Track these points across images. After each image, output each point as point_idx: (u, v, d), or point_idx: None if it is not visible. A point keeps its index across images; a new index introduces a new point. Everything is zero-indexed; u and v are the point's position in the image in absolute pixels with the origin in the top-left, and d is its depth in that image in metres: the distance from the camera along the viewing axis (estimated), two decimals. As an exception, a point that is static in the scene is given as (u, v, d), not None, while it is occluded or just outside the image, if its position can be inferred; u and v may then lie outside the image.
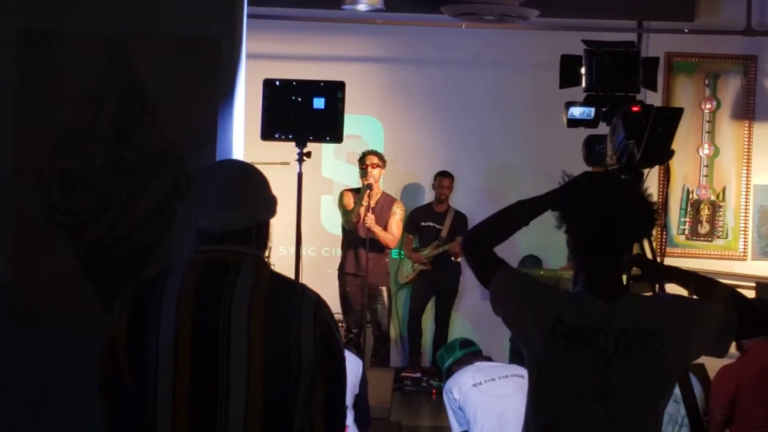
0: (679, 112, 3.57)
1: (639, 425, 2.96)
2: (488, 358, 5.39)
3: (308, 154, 5.04)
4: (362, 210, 8.78)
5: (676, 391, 3.50)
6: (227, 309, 2.78)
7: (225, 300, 2.78)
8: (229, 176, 2.93)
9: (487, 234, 3.19)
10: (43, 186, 3.95)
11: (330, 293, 9.02)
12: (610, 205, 3.01)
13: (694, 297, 3.11)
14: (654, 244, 3.64)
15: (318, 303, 2.86)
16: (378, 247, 8.95)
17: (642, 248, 3.75)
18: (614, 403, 2.92)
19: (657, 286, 3.35)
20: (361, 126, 9.73)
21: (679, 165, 9.46)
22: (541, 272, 8.29)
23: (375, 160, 8.91)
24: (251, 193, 2.91)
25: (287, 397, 2.78)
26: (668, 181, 9.14)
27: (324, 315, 2.86)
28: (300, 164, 5.05)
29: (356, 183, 9.19)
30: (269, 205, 2.94)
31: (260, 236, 2.92)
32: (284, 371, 2.78)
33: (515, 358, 5.76)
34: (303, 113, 4.79)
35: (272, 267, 2.99)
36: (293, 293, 2.86)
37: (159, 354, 2.76)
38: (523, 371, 4.37)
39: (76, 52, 3.96)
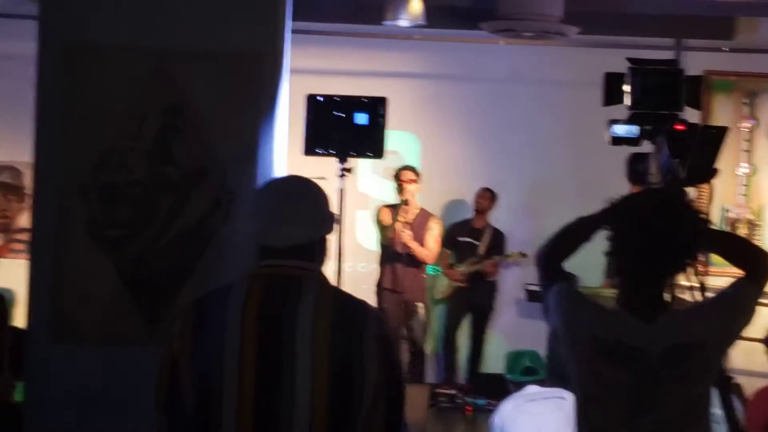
0: (725, 130, 3.54)
1: None
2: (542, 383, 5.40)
3: (349, 170, 5.04)
4: (399, 225, 8.77)
5: (719, 411, 3.47)
6: (291, 325, 2.78)
7: (289, 316, 2.79)
8: (291, 191, 2.94)
9: (556, 250, 3.21)
10: (86, 200, 3.98)
11: (366, 309, 9.00)
12: (659, 229, 2.99)
13: (725, 290, 3.09)
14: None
15: (380, 320, 2.88)
16: (415, 262, 8.93)
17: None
18: (661, 415, 2.94)
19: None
20: (399, 141, 9.71)
21: (717, 183, 9.38)
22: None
23: (411, 175, 8.90)
24: (313, 207, 2.92)
25: (350, 413, 2.78)
26: (710, 200, 9.07)
27: (386, 332, 2.88)
28: (342, 179, 5.05)
29: (392, 198, 9.18)
30: (330, 220, 2.95)
31: (321, 251, 2.92)
32: (348, 387, 2.78)
33: (553, 376, 5.73)
34: (345, 129, 4.80)
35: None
36: (356, 310, 2.86)
37: (223, 370, 2.76)
38: (565, 393, 4.37)
39: (120, 67, 3.99)
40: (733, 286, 3.07)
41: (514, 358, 5.57)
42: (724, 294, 3.08)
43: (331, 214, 2.96)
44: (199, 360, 2.78)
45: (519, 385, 5.42)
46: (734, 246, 3.23)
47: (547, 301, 3.12)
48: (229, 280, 2.91)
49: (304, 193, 2.93)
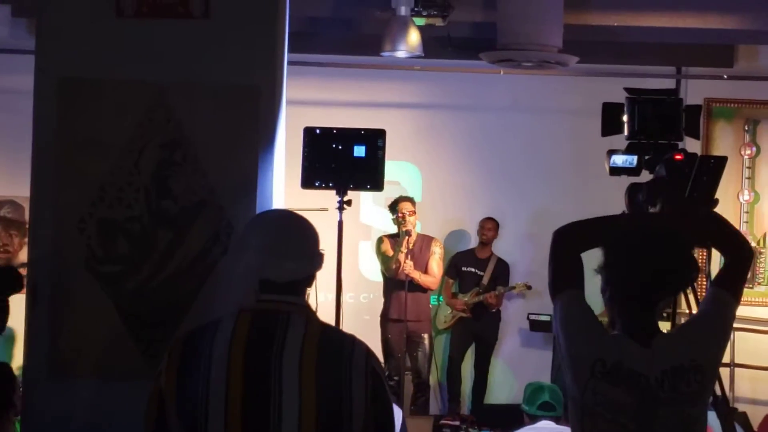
0: (724, 160, 3.54)
1: None
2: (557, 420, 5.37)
3: (348, 202, 5.03)
4: (402, 256, 8.75)
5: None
6: (278, 360, 2.77)
7: (276, 350, 2.77)
8: (291, 226, 2.95)
9: (584, 231, 3.17)
10: (83, 235, 3.96)
11: (369, 340, 8.87)
12: (651, 262, 3.01)
13: (704, 307, 3.13)
14: (699, 291, 3.62)
15: (368, 354, 2.87)
16: (420, 288, 8.91)
17: (686, 297, 3.72)
18: None
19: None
20: (400, 172, 9.72)
21: (719, 211, 9.35)
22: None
23: (410, 207, 8.89)
24: (311, 243, 2.94)
25: None
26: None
27: (374, 366, 2.86)
28: (340, 212, 5.04)
29: (394, 229, 9.16)
30: (321, 256, 2.96)
31: (307, 286, 2.94)
32: (336, 423, 2.77)
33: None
34: (343, 161, 4.78)
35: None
36: (344, 344, 2.86)
37: (209, 406, 2.74)
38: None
39: (116, 101, 3.98)
40: (710, 299, 3.11)
41: (534, 391, 5.51)
42: (705, 312, 3.12)
43: (321, 252, 2.98)
44: (185, 396, 2.77)
45: (534, 419, 5.38)
46: (718, 230, 3.23)
47: (562, 305, 3.08)
48: (218, 316, 2.90)
49: (301, 229, 2.94)
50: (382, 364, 8.63)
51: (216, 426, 2.73)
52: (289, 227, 2.94)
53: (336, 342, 2.85)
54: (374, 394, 2.82)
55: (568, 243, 3.11)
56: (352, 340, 2.89)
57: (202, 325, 2.94)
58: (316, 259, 2.93)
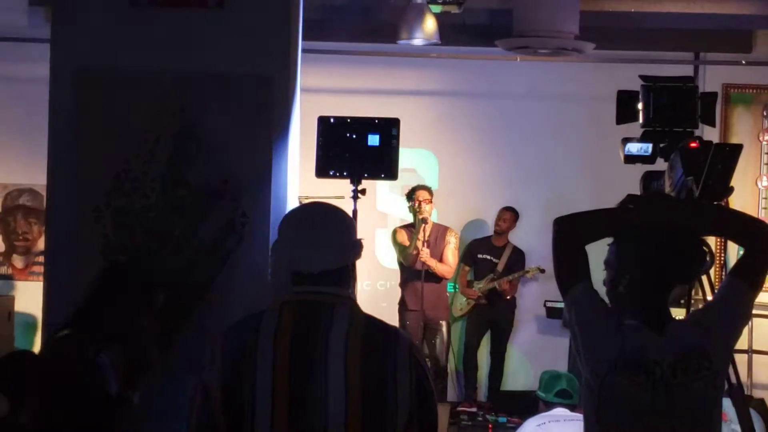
0: (739, 148, 3.52)
1: None
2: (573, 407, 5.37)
3: (363, 191, 5.02)
4: (419, 243, 8.77)
5: (737, 427, 3.47)
6: (324, 352, 2.77)
7: (321, 342, 2.78)
8: (322, 217, 2.94)
9: (588, 223, 3.15)
10: (99, 223, 3.98)
11: (385, 327, 8.99)
12: (662, 250, 3.01)
13: (718, 293, 3.12)
14: (714, 277, 3.61)
15: (411, 346, 2.87)
16: (436, 278, 8.92)
17: (701, 287, 3.71)
18: (674, 425, 2.97)
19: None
20: (416, 159, 9.72)
21: (738, 197, 9.29)
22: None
23: (427, 195, 8.89)
24: (343, 233, 2.93)
25: None
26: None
27: (418, 358, 2.87)
28: (355, 201, 5.03)
29: (411, 217, 9.17)
30: (358, 246, 2.96)
31: (351, 276, 2.92)
32: (381, 414, 2.78)
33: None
34: (358, 150, 4.77)
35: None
36: (388, 336, 2.86)
37: (256, 399, 2.75)
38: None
39: (131, 91, 4.00)
40: (725, 287, 3.10)
41: (550, 379, 5.50)
42: (718, 300, 3.11)
43: (359, 241, 2.97)
44: (231, 390, 2.77)
45: (549, 406, 5.39)
46: (732, 222, 3.20)
47: (574, 301, 3.07)
48: (260, 308, 2.90)
49: (333, 219, 2.94)
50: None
51: (262, 418, 2.74)
52: (319, 218, 2.94)
53: (380, 334, 2.84)
54: (418, 386, 2.83)
55: (571, 236, 3.09)
56: (396, 331, 2.90)
57: (244, 317, 2.94)
58: (351, 249, 2.92)
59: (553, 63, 9.36)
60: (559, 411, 5.32)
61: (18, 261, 9.82)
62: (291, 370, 2.76)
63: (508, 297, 9.40)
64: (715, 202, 3.50)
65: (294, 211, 3.13)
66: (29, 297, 9.07)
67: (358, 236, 3.01)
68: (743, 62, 9.46)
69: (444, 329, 9.05)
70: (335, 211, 2.98)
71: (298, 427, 2.75)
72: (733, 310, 3.07)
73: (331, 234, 2.89)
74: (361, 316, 2.86)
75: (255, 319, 2.84)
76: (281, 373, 2.75)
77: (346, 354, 2.77)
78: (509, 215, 9.47)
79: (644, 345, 2.98)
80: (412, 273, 8.90)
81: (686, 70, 9.28)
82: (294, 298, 2.85)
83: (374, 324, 2.88)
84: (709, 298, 3.49)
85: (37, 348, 6.81)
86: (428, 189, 8.97)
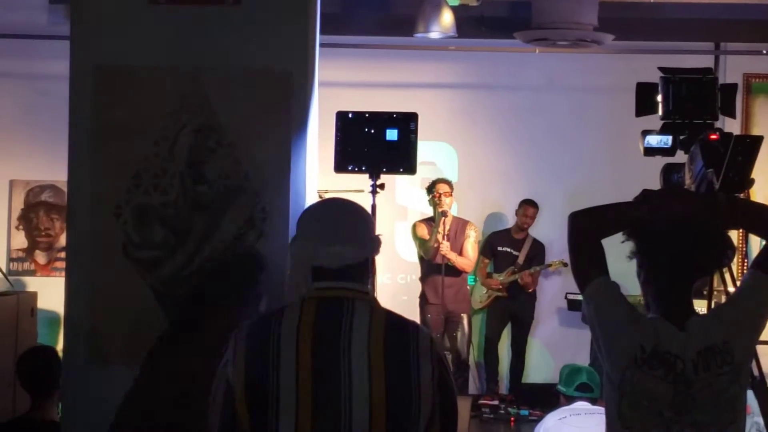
0: (759, 140, 3.51)
1: None
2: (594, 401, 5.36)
3: (382, 186, 5.03)
4: (439, 236, 8.78)
5: (760, 420, 3.45)
6: (347, 347, 2.77)
7: (344, 338, 2.78)
8: (341, 213, 2.95)
9: (605, 215, 3.11)
10: (119, 221, 4.00)
11: (406, 320, 9.00)
12: (682, 245, 3.00)
13: (740, 286, 3.10)
14: (736, 270, 3.60)
15: (432, 342, 2.87)
16: (456, 272, 8.92)
17: (722, 278, 3.70)
18: (696, 419, 2.96)
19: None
20: (435, 152, 9.72)
21: (759, 188, 9.26)
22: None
23: (447, 188, 8.90)
24: (362, 228, 2.94)
25: None
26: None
27: (439, 353, 2.87)
28: (374, 196, 5.04)
29: (431, 210, 9.16)
30: (377, 242, 2.96)
31: (370, 272, 2.93)
32: (406, 410, 2.78)
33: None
34: (376, 145, 4.77)
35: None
36: (409, 330, 2.86)
37: (280, 395, 2.74)
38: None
39: (150, 88, 4.01)
40: (747, 281, 3.08)
41: (571, 373, 5.49)
42: (740, 294, 3.10)
43: (377, 236, 2.98)
44: (254, 385, 2.77)
45: (570, 399, 5.38)
46: (752, 214, 3.16)
47: (593, 295, 3.06)
48: (281, 304, 2.90)
49: (352, 214, 2.95)
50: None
51: (287, 414, 2.74)
52: (338, 213, 2.94)
53: (401, 328, 2.84)
54: (440, 380, 2.83)
55: (586, 231, 3.08)
56: (416, 326, 2.89)
57: (266, 313, 2.98)
58: (370, 244, 2.92)
59: (573, 55, 9.34)
60: (581, 404, 5.31)
61: (40, 257, 9.88)
62: (314, 366, 2.76)
63: (531, 290, 9.40)
64: (735, 195, 3.49)
65: (313, 207, 3.14)
66: (52, 293, 9.09)
67: (377, 232, 3.02)
68: (764, 51, 9.41)
69: (465, 322, 9.07)
70: (354, 207, 2.99)
71: (324, 423, 2.74)
72: (756, 304, 3.04)
73: (350, 229, 2.90)
74: (382, 312, 2.87)
75: (277, 315, 2.85)
76: (305, 370, 2.75)
77: (369, 349, 2.77)
78: (533, 211, 9.44)
79: (664, 339, 2.97)
80: (432, 267, 8.91)
81: (707, 61, 9.24)
82: (315, 294, 2.86)
83: (395, 319, 2.88)
84: (731, 289, 3.48)
85: (59, 344, 6.85)
86: (448, 182, 8.97)
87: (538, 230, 9.55)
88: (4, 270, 8.79)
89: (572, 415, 5.16)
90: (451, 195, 8.90)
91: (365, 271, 2.91)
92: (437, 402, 2.81)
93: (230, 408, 2.79)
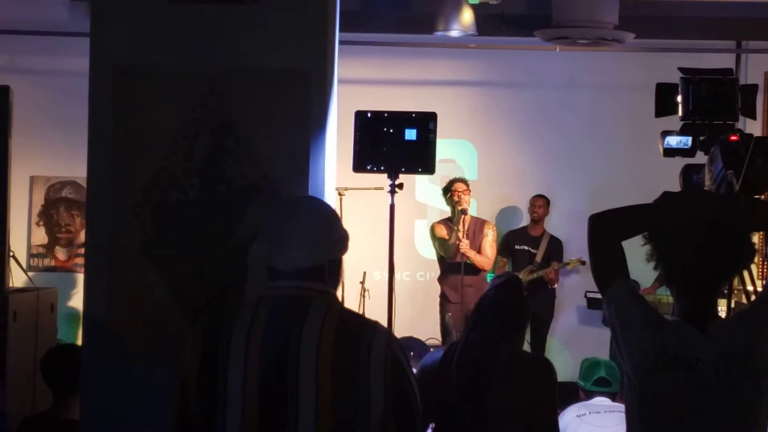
0: (779, 142, 3.49)
1: None
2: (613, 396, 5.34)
3: (400, 186, 5.03)
4: (460, 234, 8.78)
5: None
6: (296, 347, 2.76)
7: (294, 337, 2.77)
8: (300, 214, 2.93)
9: (625, 218, 3.09)
10: (139, 219, 4.01)
11: (425, 318, 9.01)
12: (704, 248, 2.96)
13: (764, 290, 3.07)
14: (756, 270, 3.58)
15: (389, 342, 2.83)
16: (476, 270, 8.92)
17: (742, 278, 3.68)
18: (717, 423, 2.94)
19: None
20: (455, 150, 9.72)
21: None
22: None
23: (464, 186, 8.90)
24: (323, 230, 2.90)
25: None
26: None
27: (395, 353, 2.83)
28: (392, 196, 5.04)
29: (449, 208, 9.16)
30: (341, 242, 2.93)
31: (332, 273, 2.90)
32: (353, 411, 2.76)
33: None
34: (395, 145, 4.78)
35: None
36: (364, 330, 2.83)
37: (227, 394, 2.75)
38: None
39: (170, 87, 4.02)
40: None
41: (589, 367, 5.46)
42: (763, 296, 3.07)
43: (342, 236, 2.93)
44: (205, 383, 2.79)
45: (589, 394, 5.35)
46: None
47: (613, 298, 3.04)
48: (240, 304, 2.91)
49: (310, 216, 2.92)
50: (437, 342, 8.74)
51: (233, 414, 2.74)
52: (299, 214, 2.92)
53: (355, 328, 2.83)
54: (393, 381, 2.78)
55: (607, 233, 3.06)
56: (373, 325, 2.87)
57: (222, 312, 2.98)
58: (330, 246, 2.90)
59: (593, 53, 9.31)
60: (600, 401, 5.28)
61: (61, 253, 9.92)
62: (262, 365, 2.75)
63: (554, 286, 9.38)
64: (755, 196, 3.47)
65: (278, 205, 3.12)
66: (72, 289, 9.17)
67: (345, 229, 2.97)
68: (786, 50, 9.37)
69: (485, 320, 9.05)
70: (319, 208, 2.98)
71: (269, 421, 2.74)
72: None
73: (309, 232, 2.87)
74: (338, 311, 2.85)
75: (233, 315, 2.85)
76: (252, 368, 2.75)
77: (317, 350, 2.75)
78: (542, 201, 9.48)
79: (685, 342, 2.95)
80: (451, 266, 8.91)
81: (728, 59, 9.20)
82: (270, 293, 2.86)
83: (350, 318, 2.87)
84: (750, 288, 3.46)
85: (79, 340, 6.88)
86: (465, 181, 8.97)
87: (557, 227, 9.53)
88: (24, 266, 8.82)
89: (591, 413, 5.13)
90: (469, 193, 8.90)
91: (325, 272, 2.87)
92: (390, 404, 2.78)
93: (185, 405, 2.84)
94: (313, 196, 2.98)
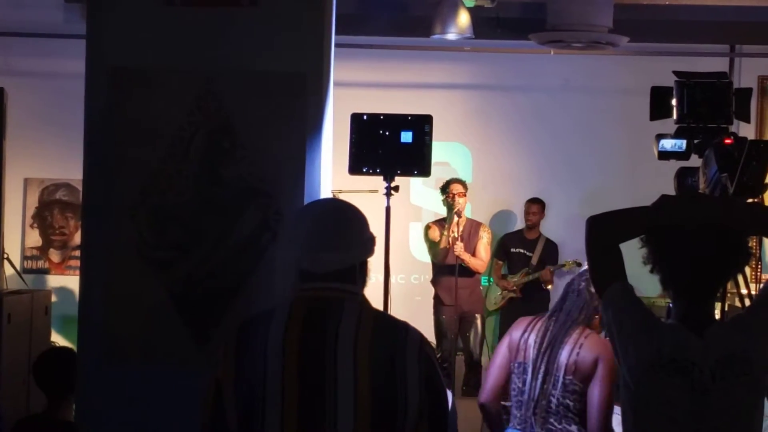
0: (773, 145, 3.50)
1: None
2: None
3: (396, 188, 5.04)
4: (450, 239, 8.78)
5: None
6: (333, 346, 2.79)
7: (330, 337, 2.80)
8: (329, 217, 2.96)
9: (623, 220, 3.10)
10: (135, 221, 4.01)
11: (419, 321, 8.97)
12: (701, 251, 2.98)
13: (760, 294, 3.08)
14: (749, 273, 3.59)
15: (422, 342, 2.88)
16: (469, 273, 8.92)
17: (736, 281, 3.69)
18: (713, 427, 2.95)
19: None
20: (450, 153, 9.73)
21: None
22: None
23: (461, 188, 8.91)
24: (352, 234, 2.93)
25: None
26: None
27: (428, 354, 2.87)
28: (388, 198, 5.05)
29: (444, 210, 9.17)
30: (369, 244, 2.97)
31: (361, 275, 2.94)
32: (390, 410, 2.78)
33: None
34: (390, 147, 4.78)
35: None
36: (397, 331, 2.87)
37: (266, 394, 2.77)
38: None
39: (166, 89, 4.02)
40: (765, 289, 3.06)
41: None
42: (759, 300, 3.08)
43: (370, 237, 2.98)
44: (242, 383, 2.80)
45: None
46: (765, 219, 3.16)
47: (611, 300, 3.05)
48: (273, 304, 2.93)
49: (341, 219, 2.95)
50: (434, 348, 8.75)
51: (273, 414, 2.76)
52: (327, 218, 2.95)
53: (390, 329, 2.87)
54: (428, 380, 2.83)
55: (604, 236, 3.06)
56: (405, 326, 2.90)
57: (257, 313, 2.97)
58: (358, 249, 2.93)
59: (587, 56, 9.34)
60: None
61: (55, 255, 9.91)
62: (300, 365, 2.78)
63: (549, 287, 9.39)
64: (750, 199, 3.48)
65: (304, 209, 3.16)
66: (66, 291, 9.16)
67: (372, 232, 3.00)
68: (780, 54, 9.41)
69: (478, 322, 9.08)
70: (345, 210, 3.00)
71: (308, 421, 2.76)
72: None
73: (337, 235, 2.91)
74: (371, 311, 2.89)
75: (267, 315, 2.87)
76: (290, 368, 2.77)
77: (355, 348, 2.78)
78: (537, 207, 9.49)
79: (682, 346, 2.96)
80: (445, 268, 8.91)
81: (721, 63, 9.23)
82: (303, 294, 2.88)
83: (384, 319, 2.91)
84: (744, 291, 3.47)
85: (74, 342, 6.88)
86: (462, 182, 8.98)
87: (552, 231, 9.55)
88: (18, 268, 8.82)
89: None
90: (464, 195, 8.90)
91: (354, 273, 2.91)
92: (425, 404, 2.81)
93: (220, 407, 2.83)
94: (341, 199, 3.01)
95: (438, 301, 9.04)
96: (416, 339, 2.86)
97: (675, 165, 4.02)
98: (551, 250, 9.42)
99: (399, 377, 2.79)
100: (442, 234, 8.88)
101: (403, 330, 2.88)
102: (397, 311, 3.08)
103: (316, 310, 2.84)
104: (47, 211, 9.91)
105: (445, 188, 8.95)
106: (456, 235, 8.79)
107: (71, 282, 9.08)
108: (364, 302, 2.91)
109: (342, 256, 2.89)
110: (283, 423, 2.76)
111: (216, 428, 2.84)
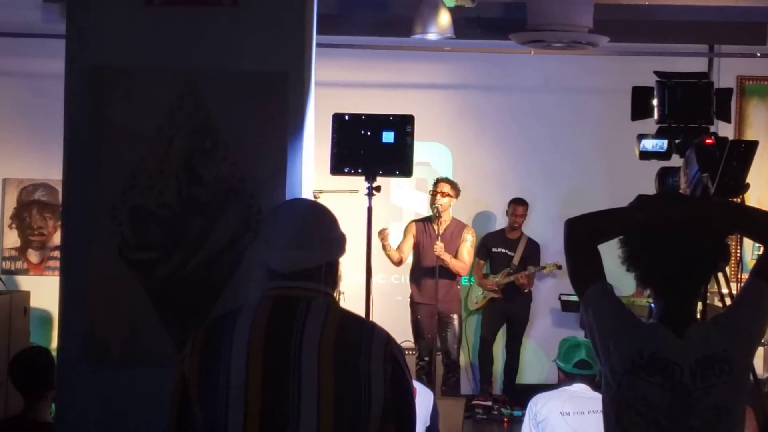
0: (755, 145, 3.50)
1: None
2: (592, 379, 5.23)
3: (378, 189, 5.04)
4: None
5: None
6: (298, 345, 2.78)
7: (296, 336, 2.79)
8: (298, 216, 2.94)
9: (601, 222, 3.10)
10: (115, 222, 3.99)
11: (400, 321, 9.00)
12: (680, 251, 2.98)
13: (739, 295, 3.08)
14: (729, 272, 3.60)
15: (388, 340, 2.87)
16: (449, 274, 8.92)
17: (716, 280, 3.69)
18: (692, 428, 2.95)
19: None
20: (430, 153, 9.73)
21: (753, 189, 9.26)
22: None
23: (444, 187, 8.91)
24: (320, 233, 2.92)
25: None
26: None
27: (394, 352, 2.86)
28: (369, 198, 5.05)
29: (425, 210, 9.17)
30: (338, 244, 2.95)
31: (330, 274, 2.92)
32: (355, 408, 2.78)
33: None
34: (372, 147, 4.78)
35: (342, 296, 2.99)
36: (363, 330, 2.87)
37: (230, 390, 2.76)
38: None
39: (146, 89, 4.01)
40: (746, 290, 3.07)
41: (570, 348, 5.31)
42: (739, 303, 3.08)
43: (340, 237, 2.96)
44: (207, 382, 2.79)
45: (570, 377, 5.24)
46: (748, 219, 3.17)
47: (590, 301, 3.05)
48: (241, 303, 2.92)
49: (308, 218, 2.94)
50: (411, 344, 8.75)
51: (236, 412, 2.76)
52: (297, 216, 2.94)
53: (355, 328, 2.86)
54: (393, 380, 2.82)
55: (583, 237, 3.06)
56: (371, 326, 2.90)
57: (224, 312, 2.98)
58: (328, 248, 2.92)
59: (567, 56, 9.36)
60: (579, 388, 5.16)
61: (33, 256, 9.86)
62: (264, 362, 2.77)
63: (527, 290, 9.41)
64: (730, 199, 3.48)
65: (275, 208, 3.14)
66: (44, 292, 9.09)
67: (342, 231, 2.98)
68: (758, 54, 9.44)
69: (455, 322, 9.07)
70: (316, 209, 2.99)
71: (272, 418, 2.76)
72: (756, 313, 3.03)
73: (307, 234, 2.89)
74: (338, 311, 2.89)
75: (233, 314, 2.87)
76: (255, 368, 2.77)
77: (319, 348, 2.78)
78: (522, 209, 9.48)
79: (663, 346, 2.96)
80: (423, 268, 8.93)
81: (701, 63, 9.27)
82: (270, 293, 2.87)
83: (350, 318, 2.90)
84: (725, 291, 3.47)
85: (52, 343, 6.84)
86: (450, 182, 8.98)
87: (533, 231, 9.56)
88: (-3, 269, 8.78)
89: (575, 414, 5.05)
90: (449, 195, 8.89)
91: (324, 273, 2.89)
92: (390, 402, 2.81)
93: (185, 403, 2.83)
94: (311, 199, 3.00)
95: (412, 300, 9.04)
96: (382, 338, 2.85)
97: (656, 164, 4.02)
98: (533, 249, 9.43)
99: (363, 377, 2.78)
100: (417, 236, 8.91)
101: (369, 329, 2.88)
102: (377, 311, 3.07)
103: (282, 309, 2.83)
104: (26, 212, 9.86)
105: (434, 186, 8.97)
106: (437, 234, 8.79)
107: (50, 283, 9.02)
108: (332, 302, 2.90)
109: (309, 255, 2.87)
110: (245, 423, 2.75)
111: (183, 423, 2.84)
